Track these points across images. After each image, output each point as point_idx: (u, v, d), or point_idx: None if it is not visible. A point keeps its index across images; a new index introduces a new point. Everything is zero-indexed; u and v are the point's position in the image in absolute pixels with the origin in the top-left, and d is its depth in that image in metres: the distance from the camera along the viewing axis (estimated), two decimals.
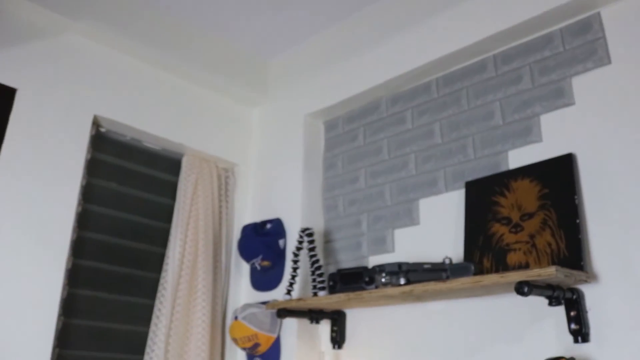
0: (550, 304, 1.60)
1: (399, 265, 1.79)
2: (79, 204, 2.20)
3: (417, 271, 1.78)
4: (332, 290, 2.01)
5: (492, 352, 1.83)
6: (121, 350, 2.26)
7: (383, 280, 1.82)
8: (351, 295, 1.90)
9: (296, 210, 2.48)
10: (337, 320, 2.26)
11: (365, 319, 2.22)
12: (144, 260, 2.40)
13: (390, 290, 1.78)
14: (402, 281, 1.78)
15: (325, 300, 1.99)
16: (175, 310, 2.29)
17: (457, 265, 1.69)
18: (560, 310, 1.69)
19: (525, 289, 1.44)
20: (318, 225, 2.48)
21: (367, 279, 1.89)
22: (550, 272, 1.42)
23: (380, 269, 1.82)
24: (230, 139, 2.76)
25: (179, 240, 2.37)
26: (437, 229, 2.10)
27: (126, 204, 2.40)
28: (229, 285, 2.58)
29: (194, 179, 2.52)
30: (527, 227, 1.79)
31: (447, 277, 1.70)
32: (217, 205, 2.58)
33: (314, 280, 2.18)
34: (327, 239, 2.46)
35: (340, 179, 2.50)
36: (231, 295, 2.57)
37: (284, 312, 2.11)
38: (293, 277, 2.22)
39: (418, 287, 1.70)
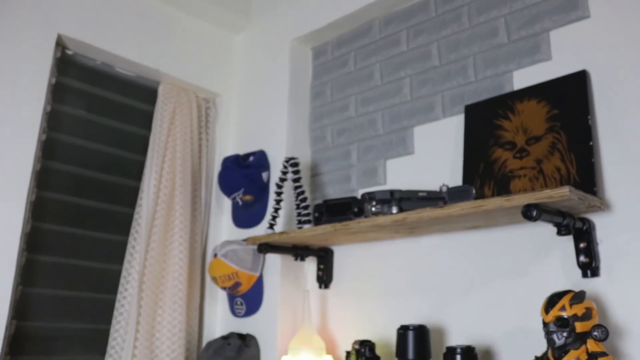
0: (559, 232, 1.44)
1: (391, 192, 1.61)
2: (43, 131, 2.01)
3: (411, 199, 1.60)
4: (318, 222, 1.83)
5: (493, 288, 1.68)
6: (92, 288, 2.11)
7: (373, 209, 1.64)
8: (337, 226, 1.72)
9: (281, 141, 2.29)
10: (324, 258, 2.11)
11: (354, 256, 2.06)
12: (116, 194, 2.23)
13: (380, 219, 1.60)
14: (395, 210, 1.60)
15: (309, 233, 1.81)
16: (150, 247, 2.12)
17: (456, 188, 1.50)
18: (568, 242, 1.53)
19: (534, 213, 1.26)
20: (305, 158, 2.29)
21: (355, 210, 1.72)
22: (563, 193, 1.24)
23: (370, 196, 1.64)
24: (212, 67, 2.55)
25: (155, 173, 2.19)
26: (433, 158, 1.92)
27: (97, 134, 2.21)
28: (209, 222, 2.41)
29: (171, 108, 2.32)
30: (534, 151, 1.62)
31: (445, 204, 1.52)
32: (197, 137, 2.40)
33: (299, 214, 2.01)
34: (314, 172, 2.29)
35: (329, 107, 2.30)
36: (211, 232, 2.40)
37: (265, 247, 1.94)
38: (276, 210, 2.05)
39: (412, 215, 1.51)
